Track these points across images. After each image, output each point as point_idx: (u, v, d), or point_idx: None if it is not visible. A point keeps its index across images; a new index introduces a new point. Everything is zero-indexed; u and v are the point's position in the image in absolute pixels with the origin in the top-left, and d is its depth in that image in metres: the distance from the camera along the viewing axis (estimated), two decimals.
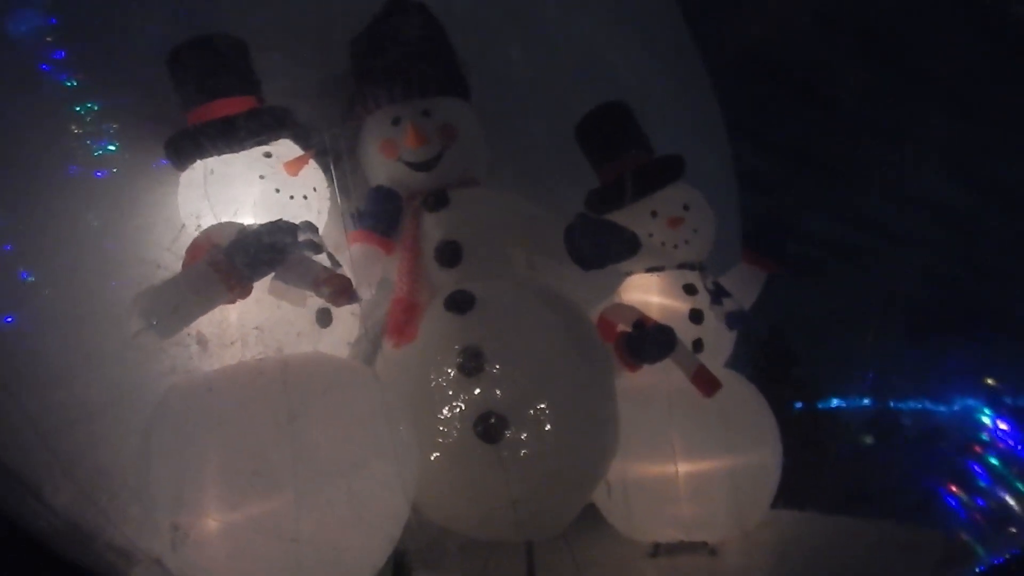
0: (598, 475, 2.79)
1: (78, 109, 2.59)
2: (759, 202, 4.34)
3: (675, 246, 3.22)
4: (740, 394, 3.27)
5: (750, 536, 3.26)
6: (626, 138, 3.27)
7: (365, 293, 2.73)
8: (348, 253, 2.71)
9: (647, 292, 3.22)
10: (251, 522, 2.22)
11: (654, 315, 3.07)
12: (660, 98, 4.10)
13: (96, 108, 2.59)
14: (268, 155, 2.52)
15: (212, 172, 2.49)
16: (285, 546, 2.24)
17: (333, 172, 2.81)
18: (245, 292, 2.20)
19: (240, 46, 2.62)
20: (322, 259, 2.46)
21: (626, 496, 3.10)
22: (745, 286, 3.38)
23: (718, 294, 3.18)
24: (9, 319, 2.56)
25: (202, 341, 2.36)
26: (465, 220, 2.81)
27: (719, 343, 3.21)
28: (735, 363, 4.15)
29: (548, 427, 2.56)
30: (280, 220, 2.32)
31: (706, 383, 2.96)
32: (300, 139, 2.65)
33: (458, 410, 2.53)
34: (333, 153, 2.87)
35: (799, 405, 4.62)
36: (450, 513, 2.68)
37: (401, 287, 2.75)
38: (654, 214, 3.20)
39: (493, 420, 2.50)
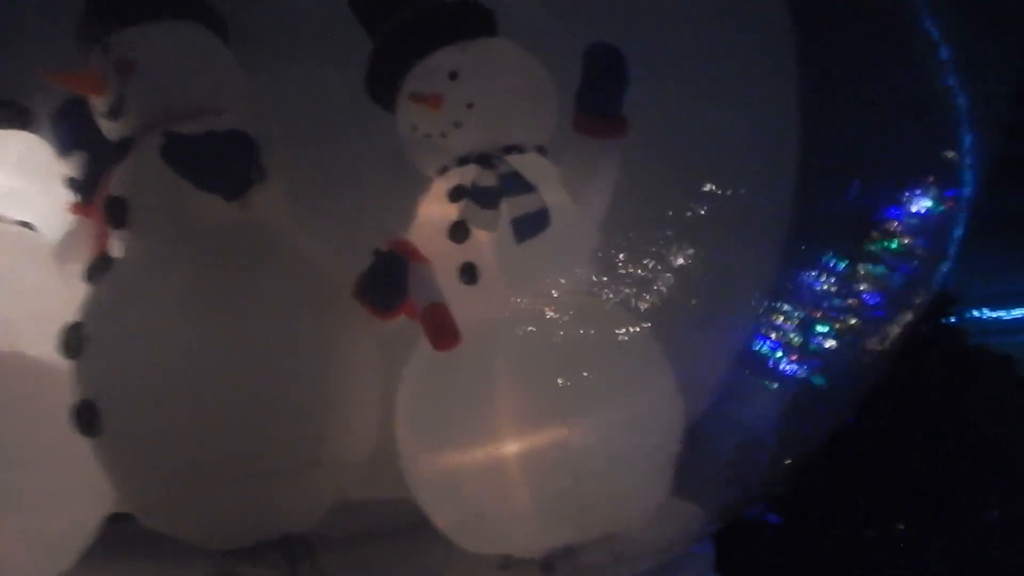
0: (291, 467, 2.13)
1: None
2: None
3: (442, 134, 2.24)
4: (601, 336, 2.16)
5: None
6: None
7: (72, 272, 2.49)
8: None
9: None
10: None
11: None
12: None
13: None
14: None
15: None
16: None
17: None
18: None
19: None
20: None
21: (447, 494, 2.27)
22: (584, 167, 2.21)
23: (498, 193, 2.13)
24: None
25: None
26: (143, 168, 2.35)
27: (518, 264, 2.15)
28: None
29: (161, 414, 2.05)
30: None
31: (435, 332, 2.04)
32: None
33: (65, 399, 2.17)
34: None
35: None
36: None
37: None
38: (413, 96, 2.28)
39: (87, 410, 2.10)
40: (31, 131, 2.65)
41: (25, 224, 2.53)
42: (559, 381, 2.10)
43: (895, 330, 2.32)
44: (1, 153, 2.50)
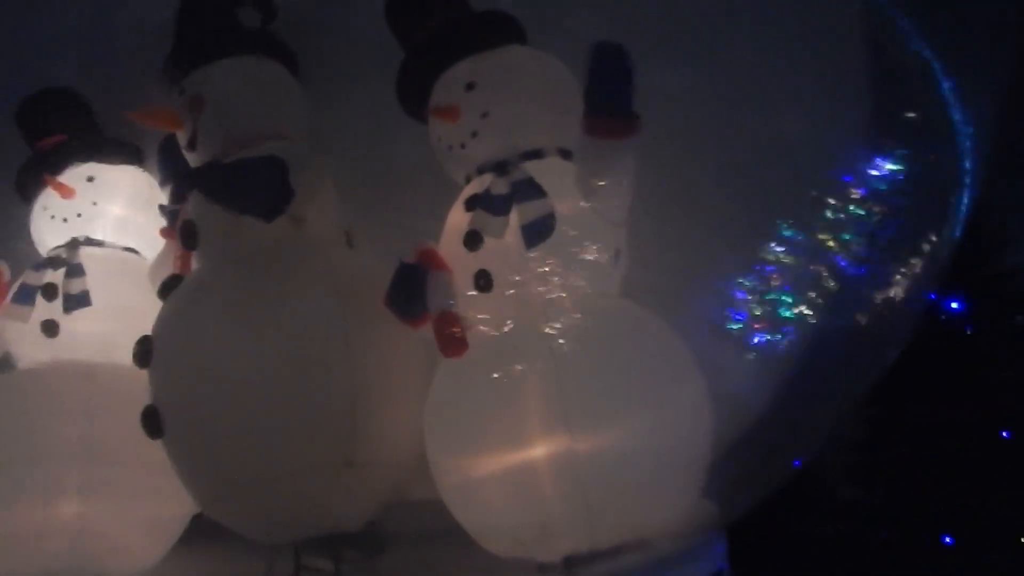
0: (324, 468, 2.24)
1: None
2: None
3: (462, 145, 2.28)
4: (625, 339, 2.14)
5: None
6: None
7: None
8: None
9: None
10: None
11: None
12: None
13: None
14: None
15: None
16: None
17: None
18: None
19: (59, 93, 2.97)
20: (54, 276, 2.65)
21: (472, 500, 2.27)
22: (596, 169, 2.17)
23: (508, 200, 2.14)
24: None
25: None
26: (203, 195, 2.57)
27: (533, 270, 2.15)
28: None
29: (213, 421, 2.24)
30: None
31: (442, 339, 2.09)
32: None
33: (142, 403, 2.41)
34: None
35: None
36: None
37: None
38: (432, 110, 2.33)
39: (152, 414, 2.32)
40: (142, 167, 2.98)
41: (130, 250, 2.84)
42: (582, 386, 2.08)
43: (894, 293, 2.11)
44: (116, 187, 2.84)
